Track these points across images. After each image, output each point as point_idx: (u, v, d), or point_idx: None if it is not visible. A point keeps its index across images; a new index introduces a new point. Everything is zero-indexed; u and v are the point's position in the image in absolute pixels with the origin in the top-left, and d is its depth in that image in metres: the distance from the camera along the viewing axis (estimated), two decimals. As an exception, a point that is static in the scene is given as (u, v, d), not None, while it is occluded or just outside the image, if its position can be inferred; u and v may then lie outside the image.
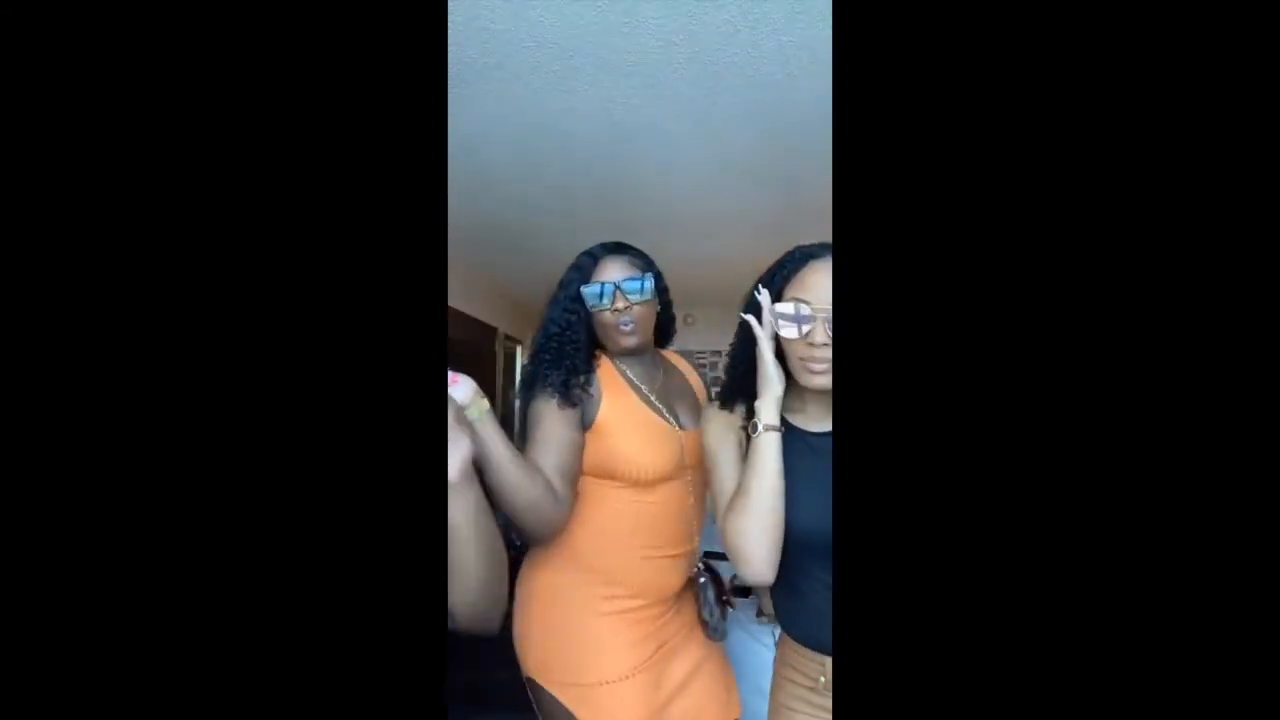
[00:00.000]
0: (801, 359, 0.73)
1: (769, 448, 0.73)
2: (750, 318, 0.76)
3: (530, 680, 0.96)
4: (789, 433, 0.78)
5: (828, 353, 0.70)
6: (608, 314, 0.99)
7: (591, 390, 0.97)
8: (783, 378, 0.76)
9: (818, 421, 0.80)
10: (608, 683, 0.91)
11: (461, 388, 0.80)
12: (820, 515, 0.70)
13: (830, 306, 0.69)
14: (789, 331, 0.73)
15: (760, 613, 1.45)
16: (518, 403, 1.00)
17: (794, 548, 0.74)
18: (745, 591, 1.59)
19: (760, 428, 0.74)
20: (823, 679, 0.74)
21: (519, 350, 5.16)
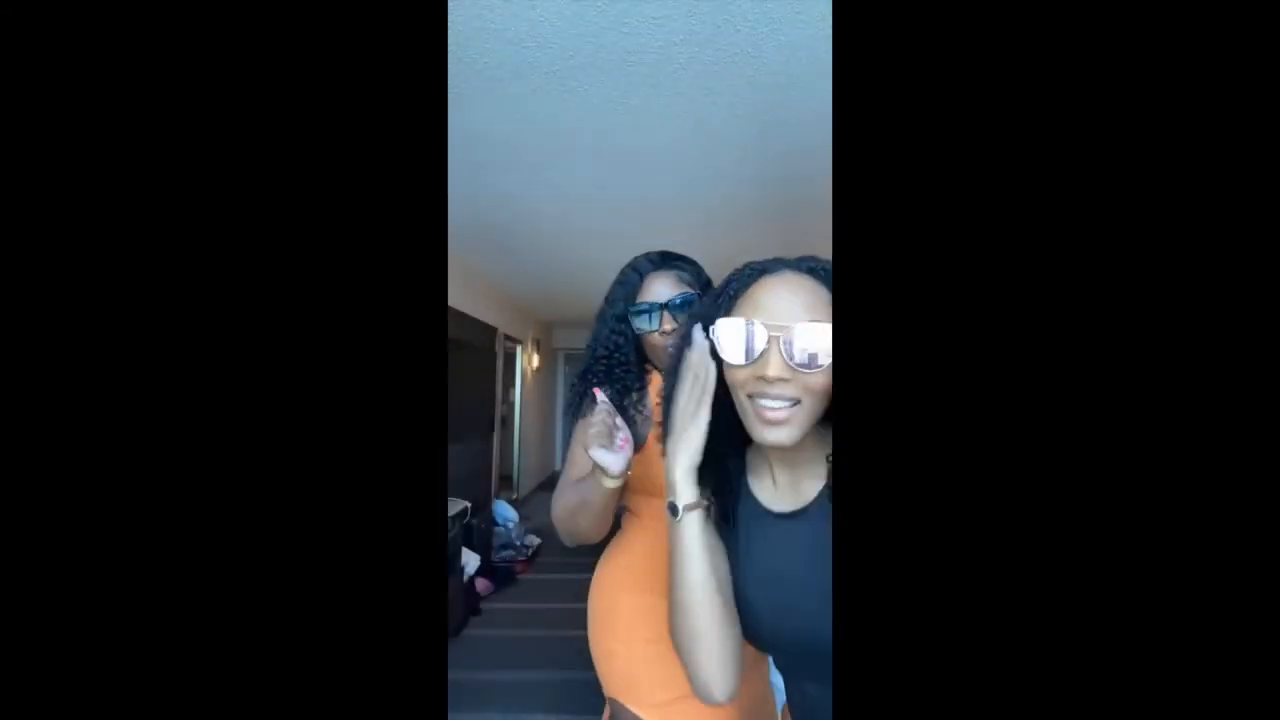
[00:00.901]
0: (751, 397, 0.53)
1: (687, 536, 0.55)
2: (697, 340, 0.57)
3: (612, 700, 0.95)
4: (753, 511, 0.62)
5: (787, 390, 0.51)
6: (656, 336, 0.94)
7: (644, 410, 0.95)
8: (697, 442, 0.55)
9: (787, 497, 0.59)
10: (686, 697, 0.90)
11: (618, 460, 0.74)
12: (791, 619, 0.56)
13: (790, 326, 0.51)
14: (734, 356, 0.53)
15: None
16: (561, 421, 0.98)
17: (768, 649, 0.61)
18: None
19: (679, 510, 0.55)
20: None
21: (519, 350, 5.17)
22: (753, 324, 0.53)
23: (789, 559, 0.57)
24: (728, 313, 0.57)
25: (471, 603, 2.81)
